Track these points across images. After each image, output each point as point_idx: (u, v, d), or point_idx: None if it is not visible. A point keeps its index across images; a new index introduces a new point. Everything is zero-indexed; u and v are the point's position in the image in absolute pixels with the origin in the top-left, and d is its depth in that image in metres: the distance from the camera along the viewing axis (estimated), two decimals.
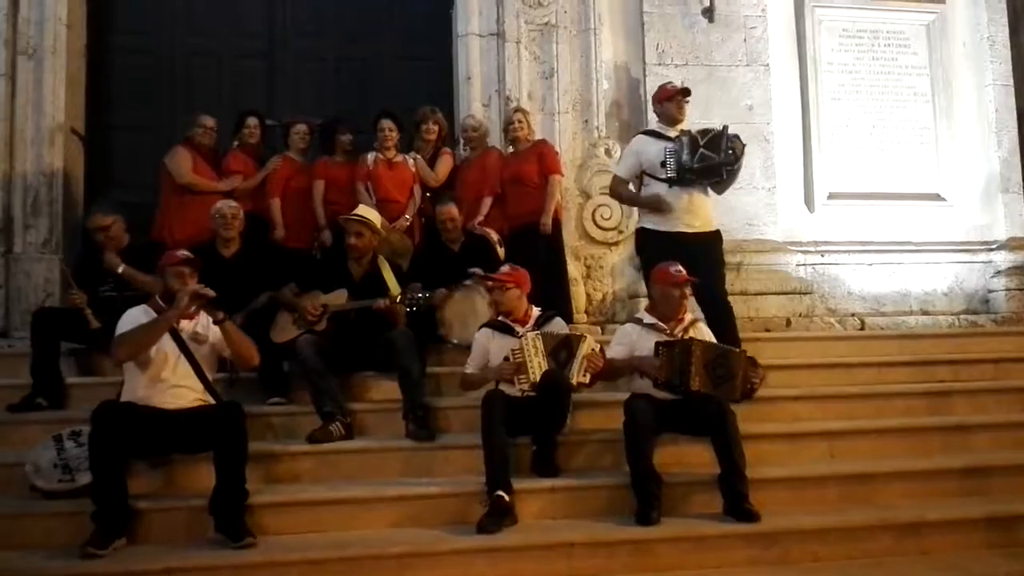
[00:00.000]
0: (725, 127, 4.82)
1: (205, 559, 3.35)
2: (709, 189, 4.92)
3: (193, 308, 3.75)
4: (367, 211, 4.89)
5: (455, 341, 4.93)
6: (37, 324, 4.62)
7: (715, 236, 4.93)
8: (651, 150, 4.91)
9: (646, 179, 4.94)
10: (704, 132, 4.81)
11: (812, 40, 6.80)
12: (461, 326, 4.92)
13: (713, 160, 4.73)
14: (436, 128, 5.85)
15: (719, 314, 4.77)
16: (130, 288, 4.68)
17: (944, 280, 6.76)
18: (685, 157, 4.75)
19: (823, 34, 6.83)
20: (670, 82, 5.23)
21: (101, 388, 4.20)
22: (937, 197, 6.87)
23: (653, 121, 5.25)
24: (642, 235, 5.00)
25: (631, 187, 5.06)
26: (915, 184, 6.83)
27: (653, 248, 4.83)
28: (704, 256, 4.77)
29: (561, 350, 4.06)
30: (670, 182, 4.80)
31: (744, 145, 4.84)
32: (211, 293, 3.74)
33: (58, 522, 3.50)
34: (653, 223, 4.90)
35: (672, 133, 4.89)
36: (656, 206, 4.82)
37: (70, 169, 6.12)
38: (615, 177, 5.16)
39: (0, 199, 5.82)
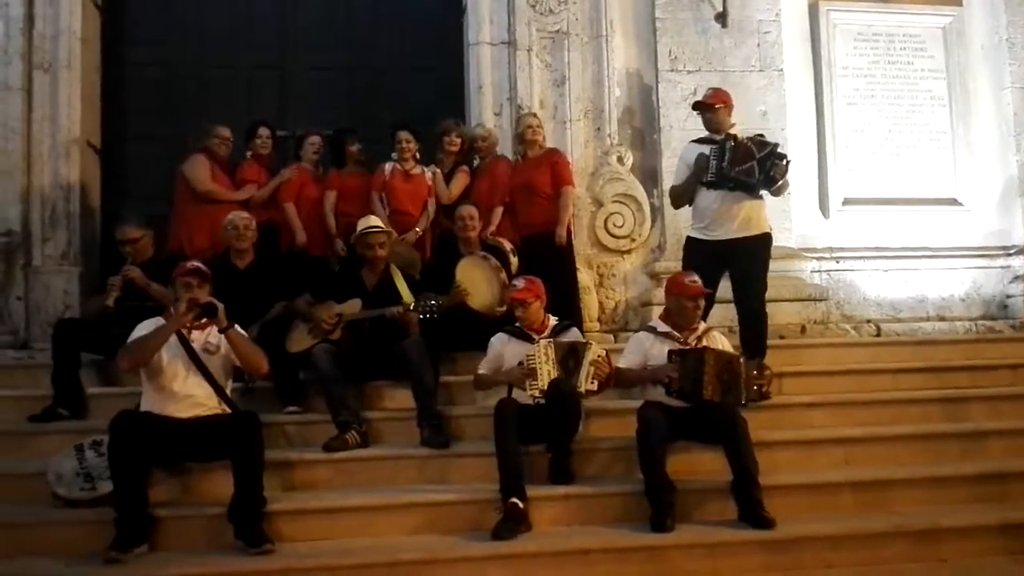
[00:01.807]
0: (776, 145, 4.78)
1: (224, 565, 3.39)
2: (764, 191, 4.84)
3: (192, 317, 3.75)
4: (375, 219, 4.93)
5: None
6: (58, 335, 4.67)
7: (759, 240, 4.84)
8: (693, 155, 4.91)
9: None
10: (762, 145, 4.74)
11: (827, 44, 6.78)
12: (471, 284, 4.84)
13: (753, 179, 4.69)
14: (459, 141, 5.83)
15: (750, 321, 4.78)
16: (149, 299, 4.73)
17: (961, 285, 6.72)
18: (726, 164, 4.70)
19: (838, 38, 6.81)
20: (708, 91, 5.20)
21: (121, 398, 4.22)
22: (954, 202, 6.83)
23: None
24: (688, 244, 4.99)
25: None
26: (931, 189, 6.79)
27: (694, 255, 4.84)
28: (743, 261, 4.76)
29: (569, 358, 4.08)
30: (708, 185, 4.79)
31: (787, 165, 4.76)
32: (208, 302, 3.76)
33: (80, 530, 3.54)
34: (697, 231, 4.91)
35: (718, 137, 4.85)
36: (698, 172, 4.78)
37: (86, 182, 6.19)
38: (671, 187, 5.18)
39: (19, 212, 5.88)
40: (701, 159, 4.79)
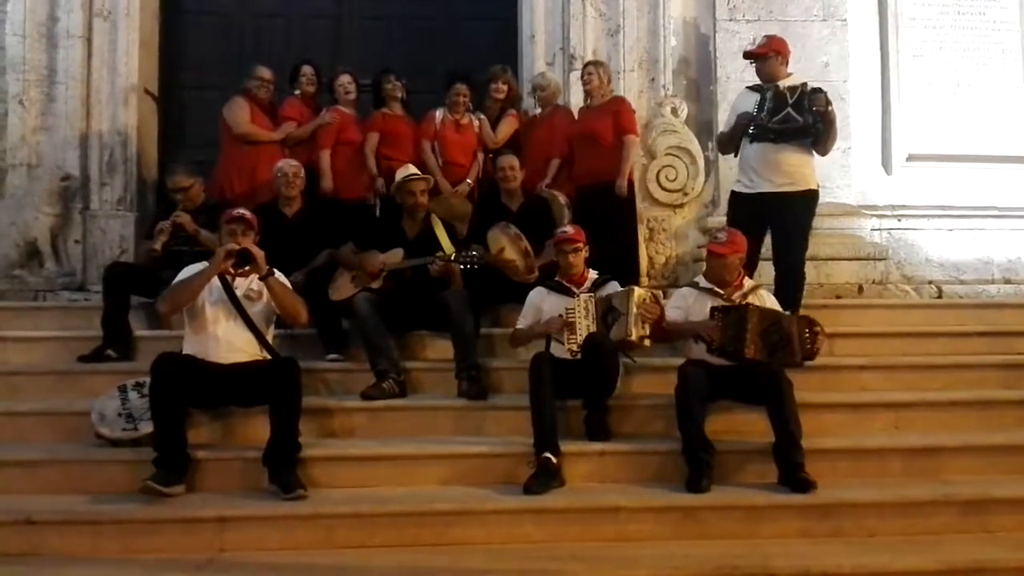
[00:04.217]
0: (804, 84, 4.71)
1: (256, 509, 3.44)
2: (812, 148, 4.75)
3: (230, 264, 3.77)
4: (414, 167, 4.90)
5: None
6: (109, 278, 4.78)
7: (803, 195, 4.72)
8: (742, 104, 4.85)
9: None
10: (793, 89, 4.67)
11: None
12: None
13: (796, 123, 4.60)
14: (506, 88, 5.79)
15: (787, 280, 4.66)
16: (198, 244, 4.80)
17: None
18: (764, 115, 4.64)
19: None
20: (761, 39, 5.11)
21: (169, 341, 4.31)
22: None
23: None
24: (732, 198, 4.92)
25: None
26: (1001, 146, 6.48)
27: (738, 210, 4.78)
28: (784, 217, 4.66)
29: (608, 313, 4.01)
30: (751, 138, 4.72)
31: (829, 104, 4.62)
32: (244, 249, 3.77)
33: (121, 469, 3.63)
34: (741, 185, 4.83)
35: (767, 88, 4.76)
36: (740, 127, 4.74)
37: (144, 129, 6.31)
38: (718, 134, 5.20)
39: (77, 158, 6.03)
40: (743, 115, 4.73)
